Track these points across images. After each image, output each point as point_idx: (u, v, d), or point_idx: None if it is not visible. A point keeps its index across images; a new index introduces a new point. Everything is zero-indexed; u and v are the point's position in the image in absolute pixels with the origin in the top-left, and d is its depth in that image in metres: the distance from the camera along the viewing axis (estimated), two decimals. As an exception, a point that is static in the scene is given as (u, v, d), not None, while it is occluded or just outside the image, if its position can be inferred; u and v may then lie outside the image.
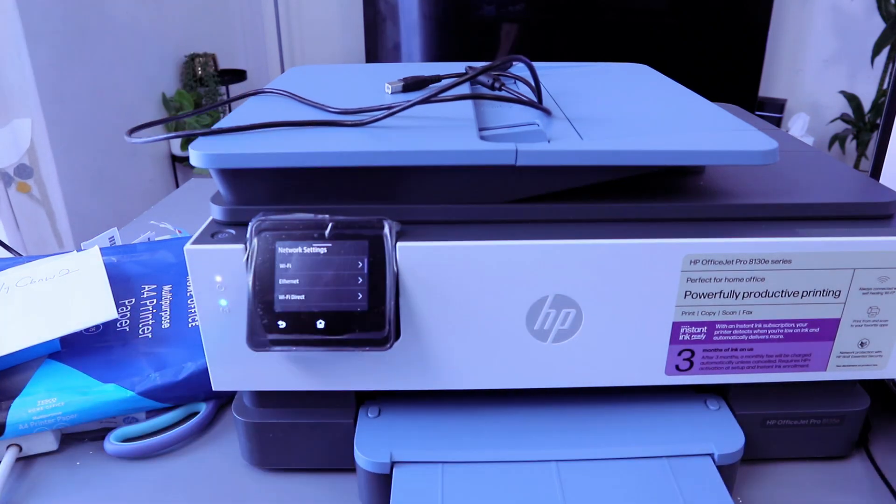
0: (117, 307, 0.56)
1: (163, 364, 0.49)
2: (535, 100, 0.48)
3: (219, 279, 0.38)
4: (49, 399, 0.45)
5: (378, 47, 2.45)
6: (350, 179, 0.39)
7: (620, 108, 0.49)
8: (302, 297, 0.37)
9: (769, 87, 2.45)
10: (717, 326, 0.40)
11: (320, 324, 0.37)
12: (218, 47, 2.25)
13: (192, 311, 0.56)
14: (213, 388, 0.41)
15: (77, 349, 0.50)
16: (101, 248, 0.62)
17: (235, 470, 0.45)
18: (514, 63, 0.59)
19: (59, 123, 1.52)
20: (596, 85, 0.57)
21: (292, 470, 0.45)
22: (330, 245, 0.37)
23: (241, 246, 0.37)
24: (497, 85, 0.50)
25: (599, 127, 0.43)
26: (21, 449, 0.45)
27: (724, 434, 0.42)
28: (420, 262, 0.37)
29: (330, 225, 0.37)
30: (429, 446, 0.41)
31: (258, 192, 0.39)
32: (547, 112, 0.45)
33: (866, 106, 2.28)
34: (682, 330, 0.40)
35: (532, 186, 0.39)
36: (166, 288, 0.59)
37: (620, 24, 2.31)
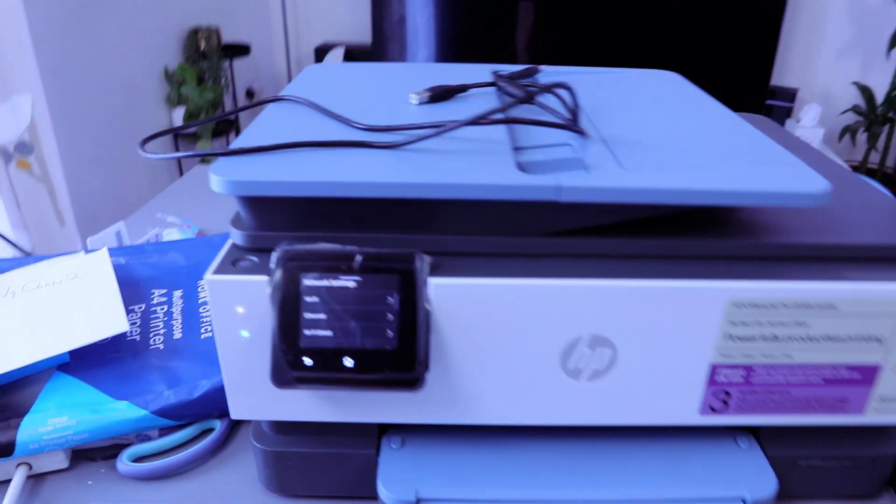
0: (127, 313, 0.54)
1: (176, 380, 0.47)
2: (569, 117, 0.46)
3: (241, 310, 0.36)
4: (60, 418, 0.44)
5: (384, 21, 2.40)
6: (380, 208, 0.37)
7: (656, 128, 0.47)
8: (329, 332, 0.35)
9: (782, 75, 2.41)
10: (756, 369, 0.39)
11: (348, 362, 0.35)
12: (221, 20, 2.20)
13: (204, 319, 0.54)
14: (231, 417, 0.39)
15: (87, 361, 0.49)
16: (109, 249, 0.60)
17: (252, 494, 0.44)
18: (539, 69, 0.57)
19: (59, 99, 1.49)
20: (627, 97, 0.55)
21: (312, 496, 0.44)
22: (359, 279, 0.35)
23: (265, 277, 0.35)
24: (528, 98, 0.48)
25: (638, 153, 0.41)
26: (31, 467, 0.44)
27: (756, 477, 0.41)
28: (453, 298, 0.36)
29: (359, 257, 0.36)
30: (455, 482, 0.40)
31: (282, 219, 0.37)
32: (583, 134, 0.43)
33: (879, 98, 2.25)
34: (719, 371, 0.39)
35: (571, 220, 0.37)
36: (177, 293, 0.58)
37: (635, 6, 2.26)
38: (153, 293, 0.58)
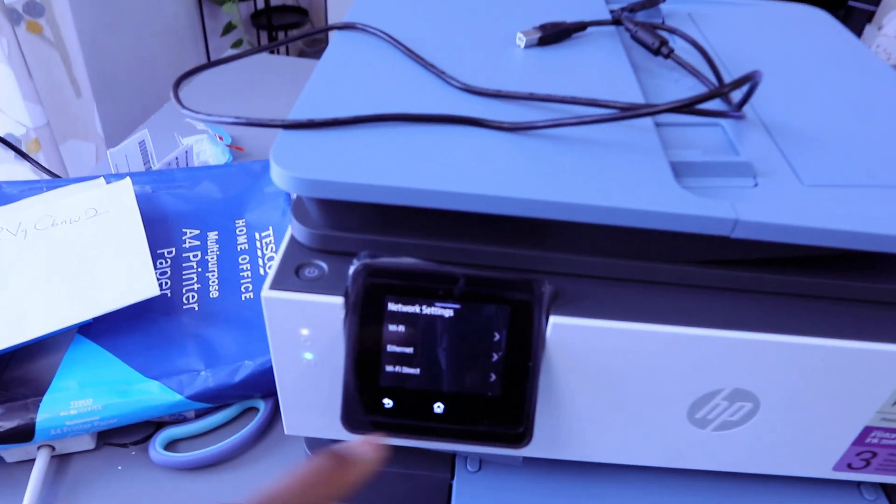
0: (156, 259, 0.47)
1: (215, 357, 0.41)
2: (714, 83, 0.36)
3: (305, 332, 0.29)
4: (84, 400, 0.38)
5: None
6: (492, 217, 0.28)
7: (820, 101, 0.37)
8: (416, 371, 0.28)
9: (868, -27, 2.15)
10: (921, 434, 0.32)
11: (438, 408, 0.29)
12: None
13: (244, 275, 0.47)
14: (286, 433, 0.33)
15: (112, 322, 0.42)
16: (132, 176, 0.52)
17: (299, 495, 0.39)
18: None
19: (70, -51, 1.33)
20: (771, 48, 0.43)
21: (367, 507, 0.39)
22: (459, 307, 0.28)
23: (339, 299, 0.28)
24: (665, 51, 0.38)
25: (811, 151, 0.32)
26: (54, 449, 0.39)
27: (887, 541, 0.35)
28: (576, 340, 0.28)
29: (461, 280, 0.28)
30: (538, 521, 0.34)
31: (364, 219, 0.29)
32: (741, 116, 0.33)
33: (974, 10, 2.01)
34: (872, 434, 0.32)
35: (732, 251, 0.29)
36: (212, 236, 0.50)
37: None
38: (185, 234, 0.50)
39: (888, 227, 0.27)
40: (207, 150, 0.65)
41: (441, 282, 0.28)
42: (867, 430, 0.32)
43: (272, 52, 2.19)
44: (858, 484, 0.38)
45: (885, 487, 0.38)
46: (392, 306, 0.28)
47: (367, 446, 0.25)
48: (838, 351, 0.28)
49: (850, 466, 0.34)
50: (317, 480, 0.23)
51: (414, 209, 0.27)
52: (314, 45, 2.38)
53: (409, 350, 0.28)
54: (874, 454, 0.33)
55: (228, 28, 2.02)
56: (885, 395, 0.30)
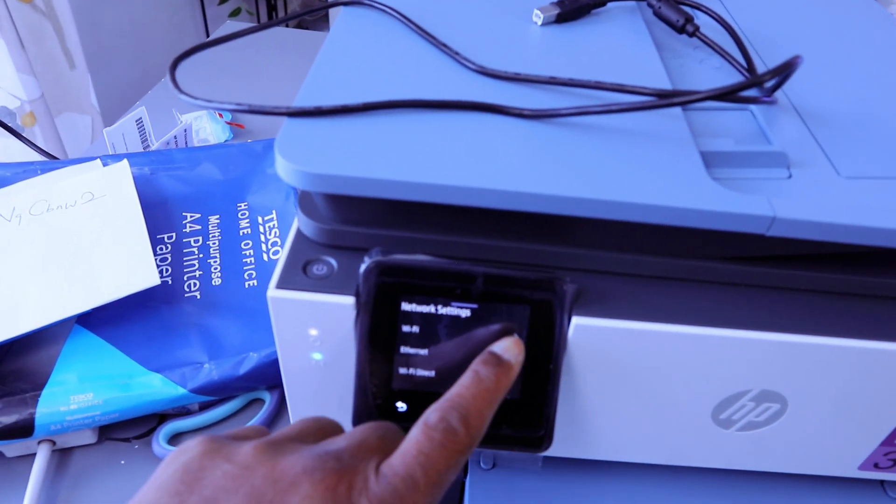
0: (156, 245, 0.46)
1: (218, 348, 0.40)
2: (742, 62, 0.34)
3: (314, 332, 0.27)
4: (84, 395, 0.37)
5: None
6: (512, 212, 0.27)
7: (855, 89, 0.35)
8: (431, 373, 0.27)
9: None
10: (952, 434, 0.31)
11: (453, 412, 0.27)
12: None
13: (248, 261, 0.46)
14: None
15: (111, 312, 0.41)
16: (130, 157, 0.51)
17: (307, 489, 0.38)
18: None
19: (61, -86, 1.28)
20: (803, 25, 0.41)
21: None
22: (476, 307, 0.26)
23: (350, 299, 0.26)
24: (690, 29, 0.36)
25: (847, 139, 0.30)
26: (55, 443, 0.38)
27: (912, 540, 0.34)
28: (599, 342, 0.27)
29: (479, 279, 0.26)
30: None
31: (375, 214, 0.27)
32: (773, 102, 0.32)
33: None
34: (904, 433, 0.31)
35: (764, 248, 0.27)
36: (213, 220, 0.49)
37: None
38: (185, 217, 0.48)
39: (933, 224, 0.25)
40: (207, 127, 0.63)
41: (457, 280, 0.26)
42: (897, 431, 0.31)
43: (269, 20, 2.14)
44: (882, 482, 0.37)
45: (908, 484, 0.37)
46: (406, 306, 0.26)
47: (516, 347, 0.25)
48: (870, 352, 0.27)
49: (876, 466, 0.33)
50: (490, 395, 0.24)
51: (429, 203, 0.26)
52: (313, 14, 2.32)
53: (424, 352, 0.27)
54: (902, 453, 0.32)
55: (226, -4, 1.96)
56: (919, 397, 0.29)
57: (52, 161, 0.51)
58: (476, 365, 0.24)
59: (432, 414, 0.22)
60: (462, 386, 0.24)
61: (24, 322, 0.37)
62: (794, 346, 0.27)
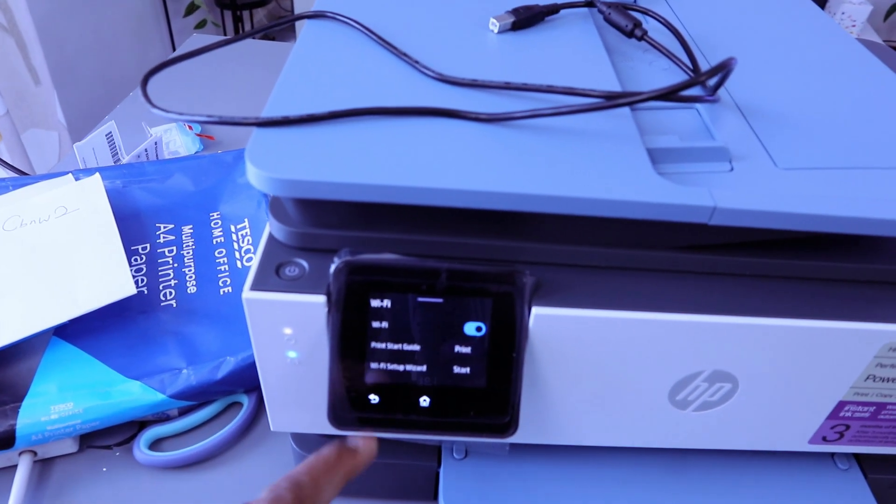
0: (130, 256, 0.46)
1: (195, 354, 0.41)
2: (688, 64, 0.36)
3: (288, 331, 0.29)
4: (64, 404, 0.37)
5: None
6: (473, 211, 0.28)
7: (792, 85, 0.37)
8: (401, 366, 0.28)
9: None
10: (890, 407, 0.33)
11: (424, 401, 0.29)
12: None
13: (221, 269, 0.47)
14: (272, 429, 0.33)
15: (88, 323, 0.42)
16: (101, 171, 0.51)
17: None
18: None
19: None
20: (745, 26, 0.44)
21: (359, 497, 0.39)
22: (442, 301, 0.28)
23: (321, 298, 0.28)
24: (638, 33, 0.38)
25: (784, 132, 0.32)
26: (36, 454, 0.39)
27: (855, 500, 0.37)
28: (559, 330, 0.28)
29: (443, 274, 0.28)
30: (524, 499, 0.35)
31: (341, 217, 0.29)
32: (715, 100, 0.34)
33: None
34: (846, 408, 0.33)
35: (707, 237, 0.29)
36: (186, 230, 0.50)
37: None
38: (159, 228, 0.49)
39: (861, 209, 0.27)
40: (177, 139, 0.64)
41: (423, 277, 0.28)
42: (841, 405, 0.33)
43: (236, 32, 2.14)
44: (832, 455, 0.39)
45: (857, 457, 0.39)
46: (375, 303, 0.28)
47: (369, 441, 0.30)
48: (815, 331, 0.29)
49: (824, 439, 0.35)
50: (326, 466, 0.28)
51: (393, 204, 0.27)
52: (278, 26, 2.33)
53: (394, 346, 0.28)
54: (847, 427, 0.34)
55: (191, 9, 1.96)
56: (859, 371, 0.31)
57: (24, 177, 0.51)
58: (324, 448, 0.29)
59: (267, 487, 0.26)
60: (302, 462, 0.28)
61: (2, 336, 0.38)
62: (741, 328, 0.29)
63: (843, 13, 1.97)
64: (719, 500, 0.36)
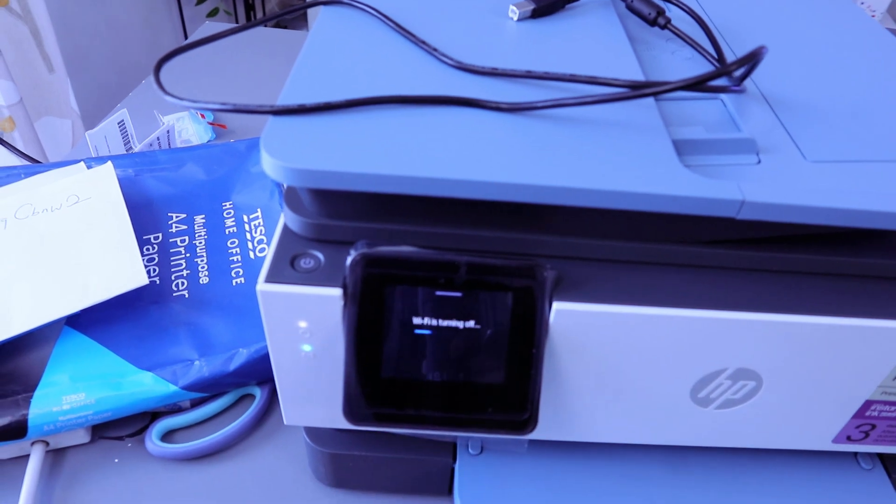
0: (143, 245, 0.46)
1: (208, 345, 0.40)
2: (712, 53, 0.35)
3: (303, 325, 0.28)
4: (76, 395, 0.37)
5: None
6: (493, 202, 0.28)
7: (821, 76, 0.36)
8: (418, 361, 0.28)
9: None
10: (920, 406, 0.32)
11: (441, 397, 0.28)
12: None
13: (234, 258, 0.46)
14: (286, 423, 0.33)
15: (100, 313, 0.41)
16: (114, 159, 0.51)
17: (301, 476, 0.39)
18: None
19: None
20: (771, 14, 0.43)
21: (373, 491, 0.38)
22: (461, 295, 0.27)
23: (337, 291, 0.27)
24: (662, 21, 0.37)
25: (814, 124, 0.31)
26: (48, 444, 0.38)
27: (880, 500, 0.36)
28: (580, 325, 0.28)
29: (462, 268, 0.27)
30: (542, 496, 0.34)
31: (358, 208, 0.28)
32: (741, 91, 0.33)
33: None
34: (873, 407, 0.32)
35: (736, 231, 0.28)
36: (198, 219, 0.49)
37: None
38: (171, 217, 0.49)
39: (893, 204, 0.26)
40: (189, 128, 0.63)
41: (441, 270, 0.27)
42: (867, 404, 0.32)
43: (248, 20, 2.13)
44: (855, 454, 0.38)
45: (881, 456, 0.38)
46: (391, 296, 0.27)
47: None
48: (842, 329, 0.28)
49: (849, 438, 0.34)
50: None
51: (411, 195, 0.27)
52: (292, 13, 2.32)
53: (411, 340, 0.28)
54: (873, 426, 0.34)
55: (203, -4, 1.95)
56: (887, 370, 0.30)
57: (36, 165, 0.51)
58: None
59: None
60: None
61: (14, 325, 0.37)
62: (766, 325, 0.28)
63: (861, 2, 1.93)
64: (739, 499, 0.36)
